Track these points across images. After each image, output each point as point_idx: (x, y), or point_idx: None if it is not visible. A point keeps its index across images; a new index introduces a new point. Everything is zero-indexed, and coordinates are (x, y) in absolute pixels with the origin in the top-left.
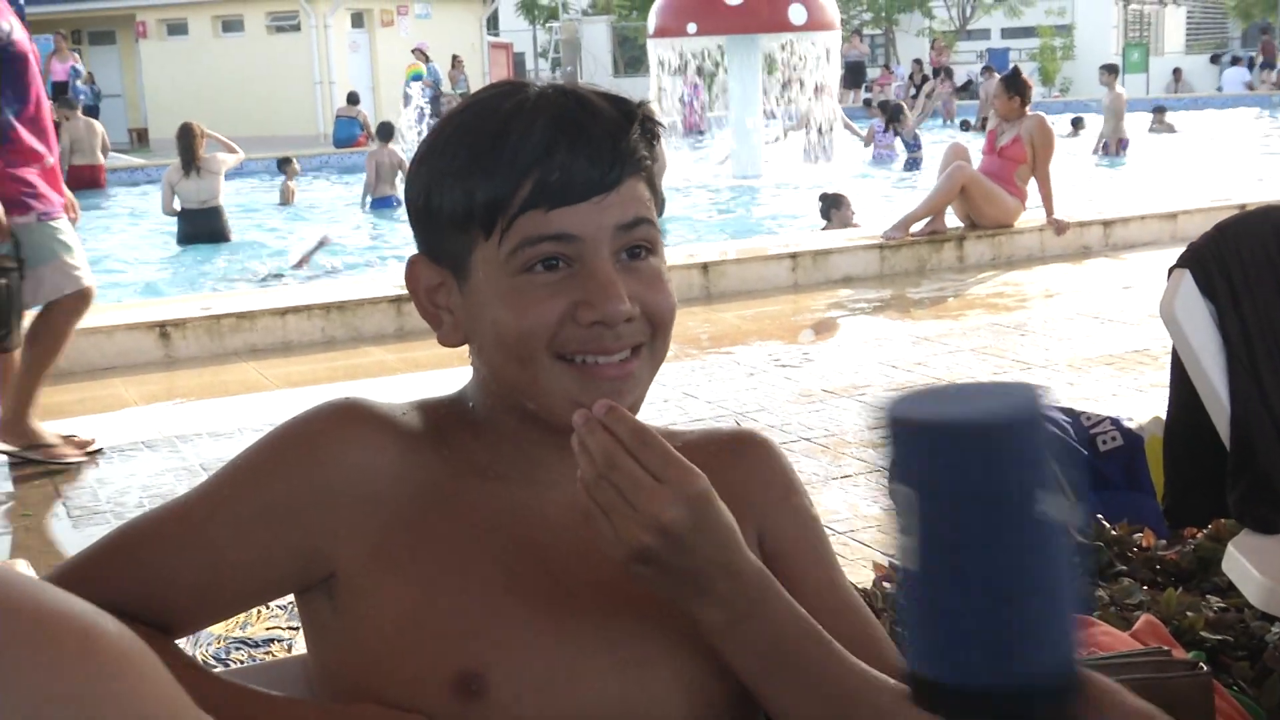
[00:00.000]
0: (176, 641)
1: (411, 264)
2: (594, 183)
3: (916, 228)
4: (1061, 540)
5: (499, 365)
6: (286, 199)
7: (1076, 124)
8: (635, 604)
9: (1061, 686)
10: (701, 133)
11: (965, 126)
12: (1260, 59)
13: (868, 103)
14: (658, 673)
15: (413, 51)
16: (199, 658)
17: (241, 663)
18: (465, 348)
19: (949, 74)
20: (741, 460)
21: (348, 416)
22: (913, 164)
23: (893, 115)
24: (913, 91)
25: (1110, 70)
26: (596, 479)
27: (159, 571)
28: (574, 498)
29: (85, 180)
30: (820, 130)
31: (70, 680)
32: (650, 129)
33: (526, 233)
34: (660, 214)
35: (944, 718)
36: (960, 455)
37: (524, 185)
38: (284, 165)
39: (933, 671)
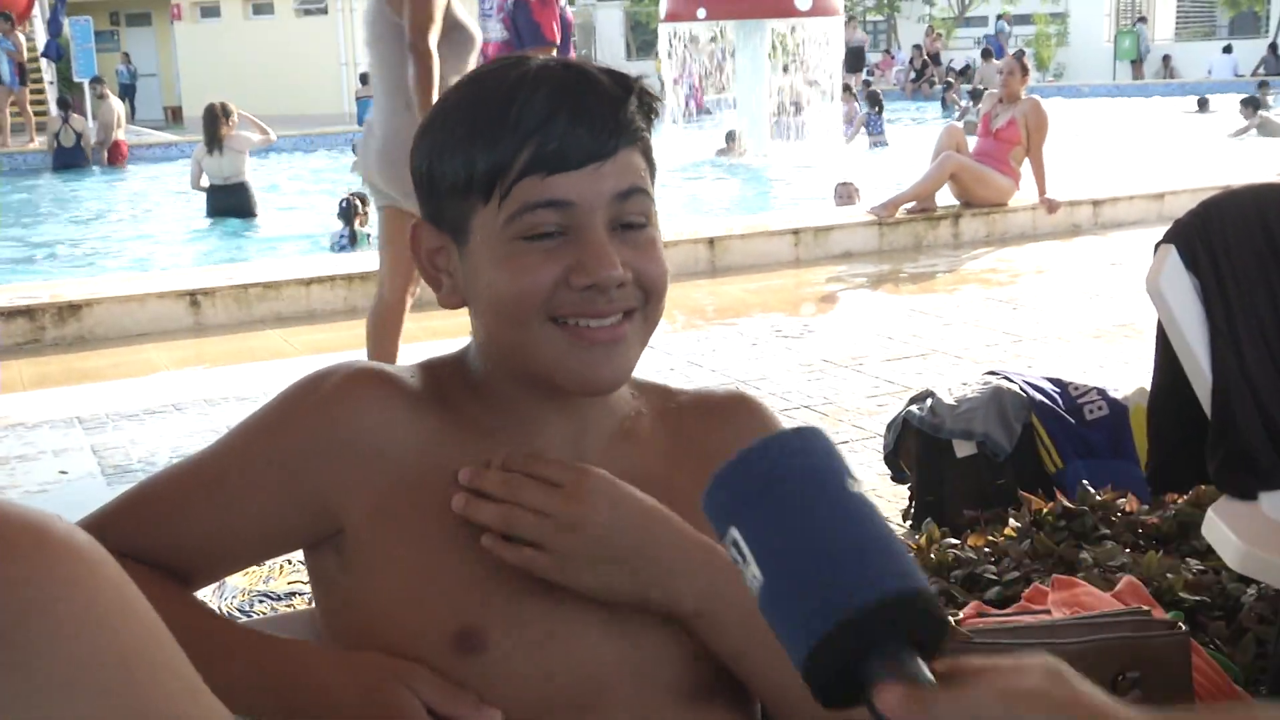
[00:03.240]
0: (200, 592)
1: (415, 228)
2: (592, 151)
3: (904, 210)
4: (846, 495)
5: (494, 327)
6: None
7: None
8: None
9: (903, 597)
10: (709, 113)
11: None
12: None
13: (846, 88)
14: (653, 630)
15: None
16: (223, 609)
17: (264, 614)
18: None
19: (934, 59)
20: (729, 423)
21: (356, 377)
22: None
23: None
24: (913, 75)
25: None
26: (510, 513)
27: (174, 524)
28: (572, 458)
29: (118, 156)
30: (798, 109)
31: (25, 566)
32: (647, 102)
33: (524, 198)
34: (653, 180)
35: (834, 696)
36: (747, 474)
37: (524, 152)
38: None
39: (801, 654)
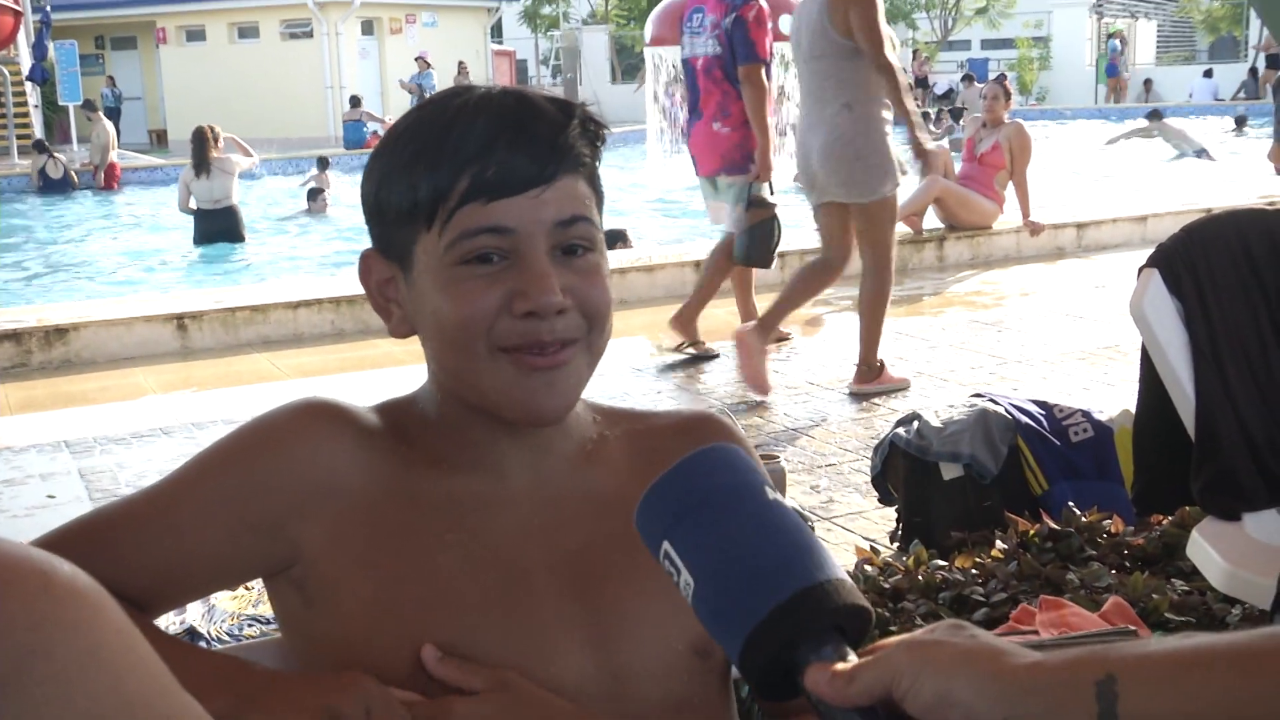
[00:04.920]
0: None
1: (364, 258)
2: (531, 177)
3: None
4: (766, 503)
5: (441, 354)
6: (317, 208)
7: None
8: (590, 585)
9: (821, 585)
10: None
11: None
12: None
13: None
14: (620, 651)
15: (415, 59)
16: (211, 633)
17: (253, 638)
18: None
19: (921, 84)
20: (701, 443)
21: (311, 413)
22: None
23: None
24: None
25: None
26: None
27: (125, 552)
28: (526, 483)
29: (112, 179)
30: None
31: (31, 610)
32: (591, 129)
33: (464, 225)
34: (600, 207)
35: (774, 688)
36: (672, 491)
37: (463, 178)
38: (322, 165)
39: (737, 649)
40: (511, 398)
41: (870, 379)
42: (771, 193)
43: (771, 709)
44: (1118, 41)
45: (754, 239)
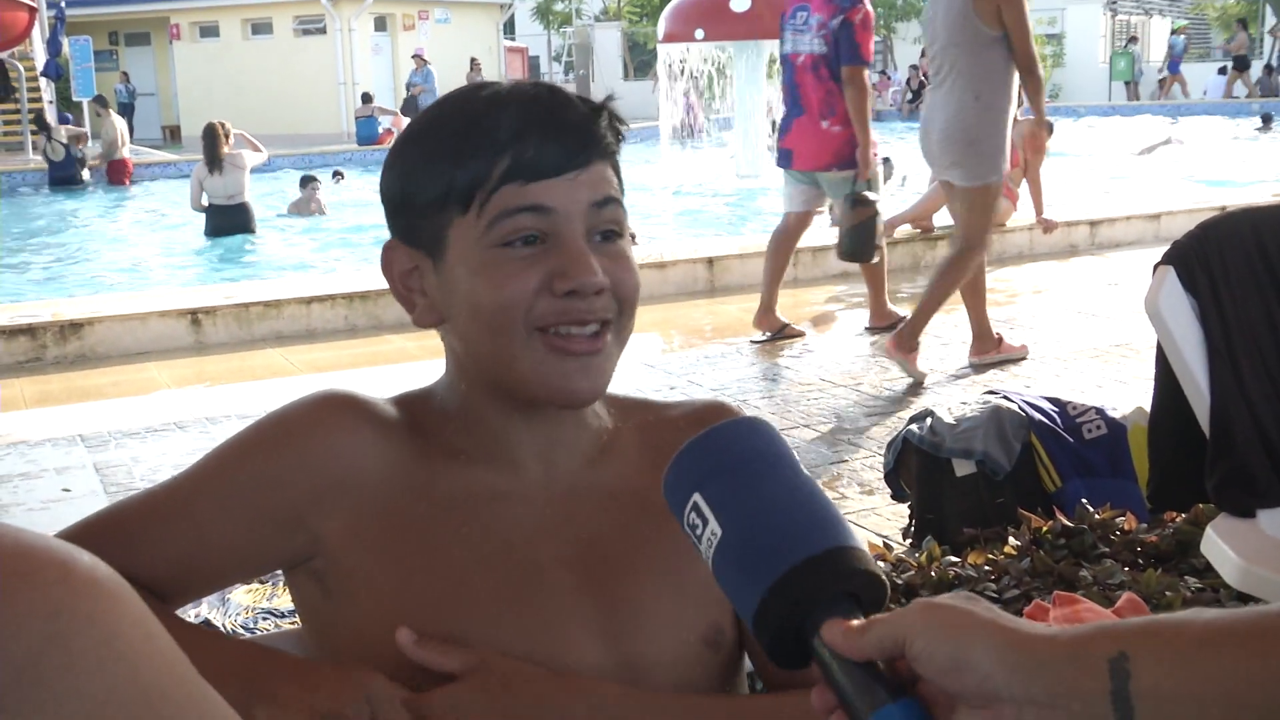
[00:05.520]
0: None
1: (387, 250)
2: (567, 160)
3: (900, 230)
4: (798, 474)
5: (474, 339)
6: (309, 209)
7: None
8: (603, 577)
9: (842, 550)
10: (701, 133)
11: None
12: None
13: None
14: (632, 642)
15: (412, 57)
16: (226, 626)
17: (268, 631)
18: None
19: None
20: None
21: (330, 405)
22: None
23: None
24: (910, 96)
25: None
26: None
27: (147, 544)
28: (541, 476)
29: (123, 174)
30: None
31: (48, 600)
32: (615, 125)
33: (504, 205)
34: (623, 196)
35: (783, 649)
36: (713, 448)
37: (501, 161)
38: (337, 178)
39: (753, 602)
40: (547, 380)
41: (904, 350)
42: (869, 189)
43: (777, 683)
44: (1182, 37)
45: (858, 236)
